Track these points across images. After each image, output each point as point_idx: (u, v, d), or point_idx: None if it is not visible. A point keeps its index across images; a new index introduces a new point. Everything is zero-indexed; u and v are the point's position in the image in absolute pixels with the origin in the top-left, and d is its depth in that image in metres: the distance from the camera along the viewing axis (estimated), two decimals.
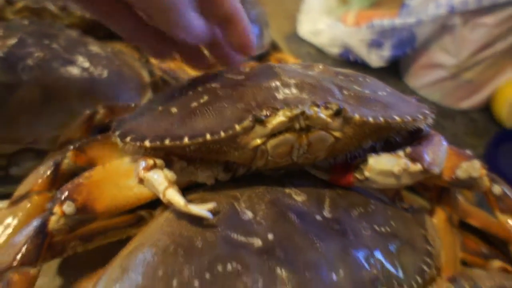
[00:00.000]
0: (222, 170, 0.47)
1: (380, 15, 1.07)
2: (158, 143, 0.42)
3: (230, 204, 0.45)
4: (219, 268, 0.38)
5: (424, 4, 0.94)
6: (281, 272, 0.39)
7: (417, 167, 0.45)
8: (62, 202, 0.44)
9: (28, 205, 0.49)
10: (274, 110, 0.41)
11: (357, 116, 0.43)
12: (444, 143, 0.51)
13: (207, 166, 0.47)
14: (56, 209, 0.43)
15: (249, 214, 0.44)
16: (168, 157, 0.45)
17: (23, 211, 0.48)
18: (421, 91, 1.04)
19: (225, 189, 0.47)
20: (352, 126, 0.44)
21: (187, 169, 0.46)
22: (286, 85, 0.45)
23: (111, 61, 0.68)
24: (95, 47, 0.69)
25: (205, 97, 0.46)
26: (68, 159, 0.51)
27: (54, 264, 0.54)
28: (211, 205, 0.41)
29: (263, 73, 0.49)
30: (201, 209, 0.40)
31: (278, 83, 0.45)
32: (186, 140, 0.41)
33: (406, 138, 0.53)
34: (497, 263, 0.59)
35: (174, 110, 0.46)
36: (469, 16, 0.90)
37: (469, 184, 0.52)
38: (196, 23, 0.45)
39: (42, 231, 0.43)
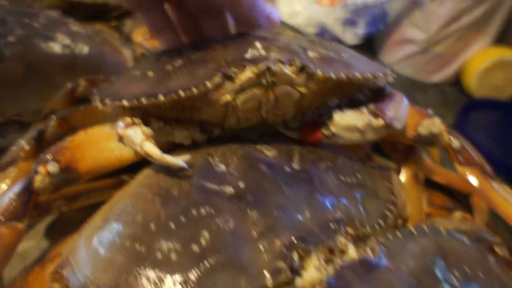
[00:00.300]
0: (198, 130, 0.51)
1: None
2: (135, 101, 0.45)
3: (205, 158, 0.48)
4: (194, 212, 0.42)
5: None
6: (251, 213, 0.42)
7: (380, 122, 0.49)
8: (46, 162, 0.46)
9: (15, 171, 0.51)
10: (242, 67, 0.45)
11: (319, 72, 0.47)
12: (405, 100, 0.55)
13: (184, 127, 0.50)
14: (41, 169, 0.46)
15: (222, 167, 0.47)
16: (146, 117, 0.48)
17: (10, 177, 0.51)
18: (395, 66, 1.08)
19: (201, 148, 0.51)
20: (316, 82, 0.47)
21: (164, 128, 0.49)
22: (254, 47, 0.48)
23: (91, 39, 0.70)
24: (75, 26, 0.72)
25: (179, 61, 0.49)
26: (52, 127, 0.54)
27: (40, 228, 0.57)
28: (186, 156, 0.45)
29: (235, 38, 0.52)
30: (176, 159, 0.44)
31: (247, 45, 0.48)
32: (161, 97, 0.44)
33: (370, 97, 0.56)
34: (458, 214, 0.63)
35: (150, 73, 0.49)
36: None
37: (431, 140, 0.56)
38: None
39: (28, 189, 0.46)
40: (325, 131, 0.50)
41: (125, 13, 0.86)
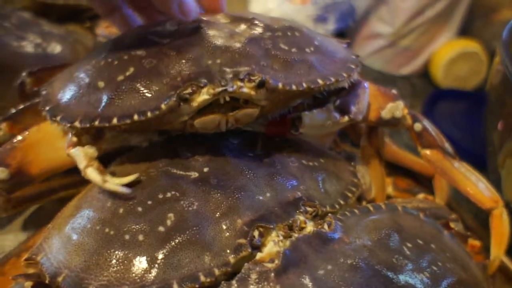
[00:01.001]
0: (156, 135, 0.50)
1: None
2: (87, 124, 0.43)
3: (171, 148, 0.50)
4: (160, 196, 0.44)
5: None
6: (214, 195, 0.44)
7: (345, 119, 0.51)
8: None
9: None
10: (199, 88, 0.43)
11: (280, 85, 0.45)
12: (367, 89, 0.56)
13: (140, 133, 0.49)
14: None
15: (187, 154, 0.49)
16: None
17: None
18: (365, 60, 1.11)
19: (168, 138, 0.53)
20: (277, 94, 0.46)
21: (119, 137, 0.48)
22: (210, 53, 0.46)
23: (64, 38, 0.72)
24: (47, 27, 0.73)
25: (131, 69, 0.46)
26: (2, 130, 0.51)
27: (17, 222, 0.59)
28: (131, 177, 0.44)
29: (189, 36, 0.49)
30: (117, 186, 0.43)
31: (203, 51, 0.46)
32: (114, 121, 0.43)
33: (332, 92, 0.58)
34: (421, 196, 0.66)
35: (101, 84, 0.46)
36: None
37: (393, 122, 0.58)
38: None
39: None
40: (293, 131, 0.51)
41: (98, 14, 0.88)
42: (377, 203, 0.51)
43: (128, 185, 0.44)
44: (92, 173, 0.43)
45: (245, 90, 0.44)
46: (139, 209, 0.43)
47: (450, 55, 1.02)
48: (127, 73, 0.46)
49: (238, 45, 0.47)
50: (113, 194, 0.45)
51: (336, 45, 0.58)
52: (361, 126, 0.63)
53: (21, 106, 0.52)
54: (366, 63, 1.11)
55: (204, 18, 0.53)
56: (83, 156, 0.44)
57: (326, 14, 1.09)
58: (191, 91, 0.43)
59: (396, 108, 0.57)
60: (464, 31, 1.07)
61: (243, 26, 0.52)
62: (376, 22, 1.05)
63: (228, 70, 0.45)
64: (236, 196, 0.45)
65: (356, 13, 1.06)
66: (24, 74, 0.56)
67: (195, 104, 0.43)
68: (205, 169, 0.47)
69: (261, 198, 0.46)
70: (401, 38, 1.04)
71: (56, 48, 0.68)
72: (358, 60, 0.54)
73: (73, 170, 0.50)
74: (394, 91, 0.60)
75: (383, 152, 0.61)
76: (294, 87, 0.46)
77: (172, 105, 0.43)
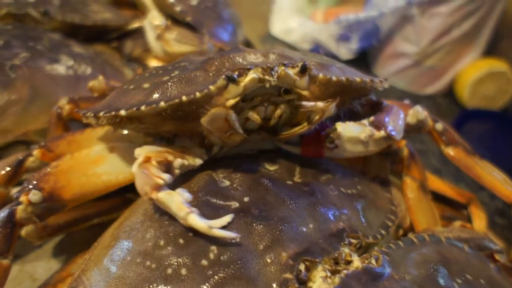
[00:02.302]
0: (204, 152, 0.50)
1: (346, 11, 1.14)
2: (134, 109, 0.44)
3: (209, 175, 0.49)
4: None
5: None
6: (257, 226, 0.43)
7: (381, 133, 0.50)
8: (28, 191, 0.45)
9: None
10: (246, 70, 0.44)
11: (321, 74, 0.47)
12: (401, 112, 0.57)
13: (194, 153, 0.49)
14: (22, 198, 0.45)
15: (226, 183, 0.48)
16: (166, 160, 0.45)
17: None
18: (388, 80, 1.10)
19: (204, 164, 0.52)
20: (318, 85, 0.48)
21: (184, 164, 0.47)
22: (253, 54, 0.49)
23: (93, 60, 0.72)
24: (77, 48, 0.73)
25: (176, 72, 0.48)
26: (34, 157, 0.51)
27: (48, 247, 0.58)
28: (228, 217, 0.42)
29: (230, 50, 0.52)
30: (226, 232, 0.40)
31: (245, 53, 0.49)
32: (162, 103, 0.43)
33: (367, 110, 0.58)
34: (458, 223, 0.64)
35: (146, 85, 0.48)
36: (426, 6, 0.97)
37: (418, 126, 0.60)
38: None
39: (10, 220, 0.44)
40: (328, 144, 0.51)
41: (125, 34, 0.88)
42: (420, 234, 0.49)
43: (170, 215, 0.43)
44: (196, 220, 0.40)
45: (290, 72, 0.45)
46: (181, 241, 0.42)
47: (476, 75, 1.01)
48: (172, 74, 0.48)
49: (275, 55, 0.50)
50: (152, 224, 0.44)
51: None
52: (401, 157, 0.62)
53: (55, 135, 0.53)
54: (390, 82, 1.09)
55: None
56: (181, 202, 0.41)
57: (349, 33, 1.09)
58: (238, 73, 0.44)
59: (418, 112, 0.59)
60: (491, 51, 1.06)
61: (276, 49, 0.54)
62: (400, 42, 1.04)
63: (272, 60, 0.48)
64: (280, 227, 0.43)
65: (380, 33, 1.05)
66: (63, 100, 0.56)
67: (242, 84, 0.44)
68: (245, 199, 0.46)
69: (304, 229, 0.44)
70: (427, 58, 1.03)
71: (86, 70, 0.68)
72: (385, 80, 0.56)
73: (105, 196, 0.51)
74: (406, 101, 0.64)
75: (427, 183, 0.60)
76: (334, 78, 0.48)
77: (220, 85, 0.44)
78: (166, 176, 0.42)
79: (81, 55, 0.71)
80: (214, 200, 0.46)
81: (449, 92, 1.09)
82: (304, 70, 0.46)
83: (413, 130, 0.59)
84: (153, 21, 0.79)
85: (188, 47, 0.75)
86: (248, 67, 0.45)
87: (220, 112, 0.43)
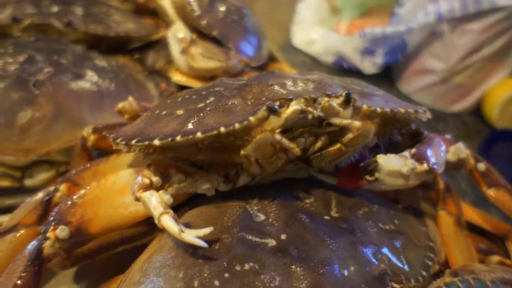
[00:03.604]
0: (222, 181, 0.47)
1: (371, 24, 1.11)
2: (169, 139, 0.42)
3: (243, 207, 0.47)
4: (237, 267, 0.40)
5: (413, 12, 0.98)
6: (296, 269, 0.41)
7: (424, 167, 0.48)
8: (55, 226, 0.43)
9: (15, 239, 0.47)
10: (287, 101, 0.42)
11: (365, 106, 0.45)
12: (443, 144, 0.54)
13: (207, 178, 0.46)
14: (50, 234, 0.43)
15: (261, 217, 0.46)
16: (166, 170, 0.44)
17: (9, 245, 0.47)
18: (413, 96, 1.07)
19: (237, 193, 0.49)
20: (361, 117, 0.45)
21: (186, 182, 0.46)
22: (292, 81, 0.46)
23: (116, 75, 0.70)
24: (101, 61, 0.71)
25: (211, 98, 0.46)
26: (61, 192, 0.50)
27: (70, 272, 0.55)
28: (207, 230, 0.40)
29: (266, 75, 0.50)
30: (195, 238, 0.39)
31: (284, 80, 0.47)
32: (199, 134, 0.41)
33: (407, 140, 0.56)
34: (495, 258, 0.61)
35: (179, 112, 0.46)
36: (456, 22, 0.94)
37: (458, 165, 0.56)
38: None
39: (37, 257, 0.42)
40: (368, 177, 0.48)
41: (146, 45, 0.86)
42: (464, 278, 0.46)
43: (203, 249, 0.41)
44: (168, 222, 0.39)
45: (334, 103, 0.43)
46: (216, 283, 0.39)
47: (506, 94, 0.98)
48: (208, 101, 0.45)
49: (315, 79, 0.48)
50: (184, 262, 0.41)
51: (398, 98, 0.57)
52: (437, 189, 0.59)
53: (81, 167, 0.51)
54: (416, 99, 1.06)
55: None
56: (159, 202, 0.40)
57: (374, 47, 1.06)
58: (279, 104, 0.42)
59: (460, 150, 0.55)
60: None
61: (313, 75, 0.52)
62: (428, 58, 1.01)
63: (313, 89, 0.45)
64: (320, 271, 0.41)
65: (407, 48, 1.02)
66: (88, 129, 0.54)
67: (284, 115, 0.42)
68: (283, 236, 0.44)
69: (346, 273, 0.42)
70: (455, 75, 1.00)
71: (111, 86, 0.66)
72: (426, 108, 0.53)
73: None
74: (448, 136, 0.59)
75: (463, 218, 0.57)
76: (378, 109, 0.46)
77: (261, 117, 0.41)
78: (156, 179, 0.42)
79: (104, 69, 0.69)
80: (250, 237, 0.43)
81: (477, 110, 1.05)
82: (348, 101, 0.44)
83: (452, 168, 0.56)
84: (177, 33, 0.76)
85: (214, 62, 0.72)
86: (290, 97, 0.43)
87: (266, 138, 0.41)
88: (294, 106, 0.42)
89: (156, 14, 0.95)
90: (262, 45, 0.85)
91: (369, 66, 1.08)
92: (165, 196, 0.41)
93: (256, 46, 0.81)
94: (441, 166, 0.51)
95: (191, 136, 0.41)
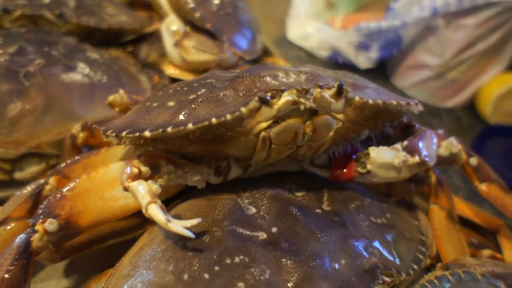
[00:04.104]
0: (212, 173, 0.47)
1: (366, 18, 1.11)
2: (160, 130, 0.41)
3: (234, 200, 0.47)
4: (227, 260, 0.40)
5: (408, 7, 0.98)
6: (287, 262, 0.41)
7: (415, 159, 0.48)
8: (44, 219, 0.43)
9: (5, 232, 0.46)
10: (279, 92, 0.42)
11: (357, 97, 0.45)
12: (435, 137, 0.54)
13: (197, 170, 0.46)
14: (38, 227, 0.42)
15: (252, 210, 0.46)
16: (156, 161, 0.44)
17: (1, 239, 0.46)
18: (408, 91, 1.07)
19: (228, 186, 0.49)
20: (353, 108, 0.45)
21: (176, 173, 0.45)
22: (284, 73, 0.46)
23: (109, 67, 0.69)
24: (93, 54, 0.71)
25: (203, 90, 0.46)
26: (51, 185, 0.50)
27: (60, 266, 0.55)
28: (195, 221, 0.40)
29: (258, 68, 0.49)
30: (182, 228, 0.39)
31: (276, 72, 0.46)
32: (190, 125, 0.41)
33: (399, 133, 0.55)
34: (487, 252, 0.62)
35: (170, 103, 0.45)
36: (451, 17, 0.93)
37: (450, 159, 0.56)
38: None
39: (26, 251, 0.42)
40: (360, 169, 0.48)
41: (139, 37, 0.85)
42: (454, 271, 0.47)
43: (193, 242, 0.41)
44: (156, 211, 0.39)
45: (326, 95, 0.42)
46: (206, 276, 0.39)
47: (500, 90, 0.98)
48: (199, 93, 0.45)
49: (307, 71, 0.47)
50: (174, 256, 0.41)
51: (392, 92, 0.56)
52: (429, 183, 0.59)
53: (71, 159, 0.51)
54: (410, 94, 1.06)
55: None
56: (147, 191, 0.40)
57: (369, 41, 1.05)
58: (271, 95, 0.41)
59: (452, 144, 0.55)
60: None
61: (305, 67, 0.51)
62: (423, 53, 1.01)
63: (306, 80, 0.45)
64: (311, 264, 0.41)
65: (402, 43, 1.02)
66: (77, 127, 0.53)
67: (276, 106, 0.41)
68: (274, 229, 0.43)
69: (336, 266, 0.42)
70: (449, 70, 1.00)
71: (103, 78, 0.65)
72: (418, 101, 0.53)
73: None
74: (440, 131, 0.60)
75: (455, 212, 0.57)
76: (370, 101, 0.45)
77: (253, 108, 0.41)
78: (145, 169, 0.42)
79: (96, 61, 0.68)
80: (241, 230, 0.43)
81: (470, 106, 1.05)
82: (340, 92, 0.44)
83: (444, 163, 0.56)
84: (170, 26, 0.76)
85: (207, 55, 0.72)
86: (282, 88, 0.42)
87: (295, 124, 0.42)
88: (286, 97, 0.41)
89: (149, 6, 0.94)
90: (256, 38, 0.84)
91: (364, 60, 1.08)
92: (153, 186, 0.41)
93: (250, 39, 0.81)
94: (432, 158, 0.51)
95: (182, 127, 0.41)
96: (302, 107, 0.42)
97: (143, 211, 0.39)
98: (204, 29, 0.75)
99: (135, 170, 0.41)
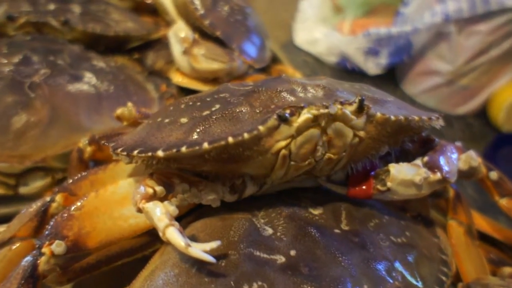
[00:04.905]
0: (227, 191, 0.45)
1: (375, 23, 1.09)
2: (174, 150, 0.39)
3: (249, 220, 0.45)
4: (245, 286, 0.38)
5: (420, 12, 0.96)
6: None
7: (437, 176, 0.46)
8: (51, 241, 0.41)
9: (10, 252, 0.44)
10: (298, 109, 0.40)
11: (379, 114, 0.43)
12: (455, 151, 0.52)
13: (212, 188, 0.44)
14: (45, 249, 0.41)
15: (269, 231, 0.44)
16: (169, 180, 0.42)
17: (3, 259, 0.44)
18: (418, 98, 1.05)
19: (242, 204, 0.47)
20: (375, 125, 0.43)
21: (190, 192, 0.43)
22: (301, 87, 0.44)
23: (115, 76, 0.67)
24: (99, 62, 0.69)
25: (217, 105, 0.44)
26: (57, 203, 0.48)
27: (67, 286, 0.53)
28: (214, 244, 0.38)
29: (273, 81, 0.48)
30: (203, 253, 0.37)
31: (293, 86, 0.44)
32: (205, 145, 0.39)
33: (417, 147, 0.53)
34: (508, 270, 0.59)
35: (183, 120, 0.43)
36: (464, 23, 0.92)
37: (469, 173, 0.54)
38: None
39: (32, 275, 0.40)
40: (380, 186, 0.46)
41: (145, 44, 0.84)
42: None
43: (208, 266, 0.39)
44: (174, 235, 0.37)
45: (347, 111, 0.41)
46: None
47: None
48: (213, 109, 0.43)
49: (325, 85, 0.45)
50: (188, 281, 0.39)
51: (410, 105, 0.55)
52: (446, 198, 0.57)
53: (78, 176, 0.49)
54: (420, 101, 1.05)
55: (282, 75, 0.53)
56: (164, 213, 0.38)
57: (379, 47, 1.03)
58: (290, 112, 0.40)
59: (471, 158, 0.53)
60: None
61: (320, 80, 0.50)
62: (434, 59, 0.99)
63: (324, 98, 0.43)
64: None
65: (413, 49, 1.00)
66: (84, 141, 0.51)
67: (295, 124, 0.40)
68: (292, 252, 0.41)
69: None
70: (461, 77, 0.98)
71: (110, 88, 0.63)
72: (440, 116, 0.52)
73: None
74: (458, 143, 0.57)
75: (474, 228, 0.55)
76: (392, 117, 0.44)
77: (271, 126, 0.39)
78: (159, 188, 0.39)
79: (103, 70, 0.66)
80: (258, 253, 0.41)
81: (482, 113, 1.04)
82: (361, 108, 0.42)
83: (463, 176, 0.54)
84: (179, 33, 0.74)
85: (217, 64, 0.70)
86: (301, 105, 0.40)
87: (316, 133, 0.40)
88: (305, 115, 0.40)
89: (154, 12, 0.92)
90: (265, 46, 0.83)
91: (373, 67, 1.06)
92: (170, 207, 0.39)
93: (260, 47, 0.79)
94: (454, 175, 0.49)
95: (197, 147, 0.39)
96: (322, 123, 0.40)
97: (160, 234, 0.37)
98: (213, 37, 0.73)
99: (150, 191, 0.39)
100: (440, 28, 0.94)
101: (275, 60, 0.90)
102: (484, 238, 0.65)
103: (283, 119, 0.39)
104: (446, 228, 0.56)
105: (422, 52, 1.01)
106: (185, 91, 0.76)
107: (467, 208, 0.57)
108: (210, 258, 0.37)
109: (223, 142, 0.39)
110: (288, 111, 0.40)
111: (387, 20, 1.09)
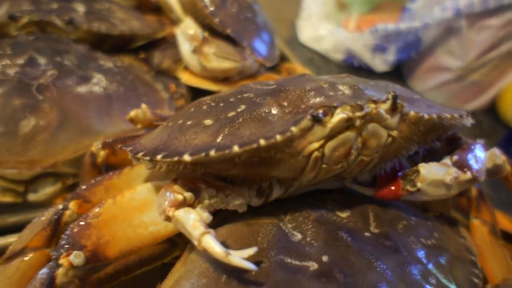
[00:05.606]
0: (254, 195, 0.43)
1: (382, 19, 1.07)
2: (202, 155, 0.37)
3: (276, 225, 0.43)
4: None
5: (428, 7, 0.95)
6: None
7: (467, 175, 0.44)
8: (69, 251, 0.39)
9: (22, 264, 0.42)
10: (332, 109, 0.38)
11: (412, 112, 0.42)
12: (484, 150, 0.51)
13: (239, 192, 0.42)
14: (63, 261, 0.38)
15: (298, 236, 0.42)
16: (195, 185, 0.40)
17: (16, 271, 0.42)
18: (426, 94, 1.04)
19: (266, 208, 0.45)
20: (408, 124, 0.42)
21: (217, 197, 0.41)
22: (330, 86, 0.42)
23: (124, 76, 0.65)
24: (106, 62, 0.66)
25: (242, 106, 0.42)
26: (71, 210, 0.46)
27: None
28: (251, 250, 0.36)
29: (297, 79, 0.46)
30: (244, 261, 0.35)
31: (320, 84, 0.42)
32: (236, 148, 0.36)
33: (444, 146, 0.52)
34: None
35: (208, 122, 0.41)
36: (475, 18, 0.90)
37: (494, 171, 0.53)
38: None
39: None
40: (409, 187, 0.45)
41: (151, 43, 0.81)
42: None
43: (239, 275, 0.37)
44: (212, 243, 0.35)
45: (381, 110, 0.39)
46: None
47: None
48: (239, 110, 0.41)
49: (351, 88, 0.43)
50: None
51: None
52: (469, 197, 0.55)
53: (91, 181, 0.46)
54: (428, 97, 1.03)
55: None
56: (198, 221, 0.36)
57: (386, 44, 1.02)
58: (323, 111, 0.38)
59: (495, 156, 0.52)
60: None
61: (345, 78, 0.48)
62: (443, 55, 0.98)
63: (354, 97, 0.41)
64: None
65: (421, 45, 0.99)
66: (97, 145, 0.49)
67: (329, 125, 0.38)
68: (324, 258, 0.39)
69: None
70: (471, 72, 0.97)
71: (119, 89, 0.61)
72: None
73: None
74: (480, 141, 0.56)
75: (498, 227, 0.54)
76: (426, 116, 0.42)
77: (305, 127, 0.38)
78: (188, 194, 0.37)
79: (111, 70, 0.64)
80: (289, 260, 0.39)
81: (491, 109, 1.02)
82: (395, 106, 0.40)
83: (488, 175, 0.52)
84: (187, 30, 0.71)
85: (229, 62, 0.67)
86: (335, 104, 0.38)
87: (351, 136, 0.39)
88: (340, 115, 0.38)
89: (158, 10, 0.90)
90: (275, 43, 0.80)
91: (380, 63, 1.04)
92: (204, 214, 0.37)
93: (270, 44, 0.77)
94: (483, 173, 0.48)
95: (227, 151, 0.37)
96: (357, 123, 0.38)
97: (195, 243, 0.35)
98: (223, 35, 0.71)
99: (179, 197, 0.37)
100: (450, 23, 0.93)
101: (282, 58, 0.88)
102: (505, 236, 0.64)
103: (317, 120, 0.38)
104: (470, 228, 0.55)
105: (431, 47, 0.99)
106: (194, 91, 0.74)
107: (490, 206, 0.56)
108: (251, 266, 0.35)
109: (254, 145, 0.37)
110: (321, 111, 0.38)
111: (393, 16, 1.08)
